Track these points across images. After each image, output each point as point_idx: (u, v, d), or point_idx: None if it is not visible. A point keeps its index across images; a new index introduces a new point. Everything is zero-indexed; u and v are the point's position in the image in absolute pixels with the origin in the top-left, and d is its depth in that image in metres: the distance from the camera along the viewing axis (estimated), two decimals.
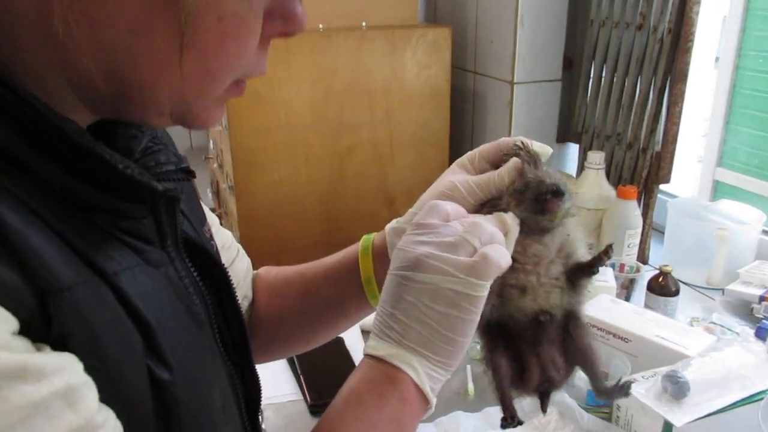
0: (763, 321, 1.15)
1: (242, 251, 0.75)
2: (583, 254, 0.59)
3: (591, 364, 0.60)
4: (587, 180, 1.46)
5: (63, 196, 0.40)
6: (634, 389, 0.86)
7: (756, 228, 1.36)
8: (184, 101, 0.42)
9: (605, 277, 1.23)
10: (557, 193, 0.55)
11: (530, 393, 0.62)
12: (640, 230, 1.41)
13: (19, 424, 0.32)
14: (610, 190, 1.46)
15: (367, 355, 0.51)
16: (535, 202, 0.55)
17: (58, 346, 0.37)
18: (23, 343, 0.35)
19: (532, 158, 0.58)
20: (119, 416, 0.39)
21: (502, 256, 0.50)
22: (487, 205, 0.58)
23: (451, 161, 0.64)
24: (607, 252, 0.58)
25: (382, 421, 0.48)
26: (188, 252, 0.51)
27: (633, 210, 1.39)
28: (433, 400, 0.51)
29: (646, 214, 1.47)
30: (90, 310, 0.39)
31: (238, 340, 0.57)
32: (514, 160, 0.58)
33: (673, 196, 1.59)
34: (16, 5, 0.38)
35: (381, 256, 0.65)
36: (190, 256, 0.52)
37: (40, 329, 0.36)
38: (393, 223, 0.66)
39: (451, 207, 0.53)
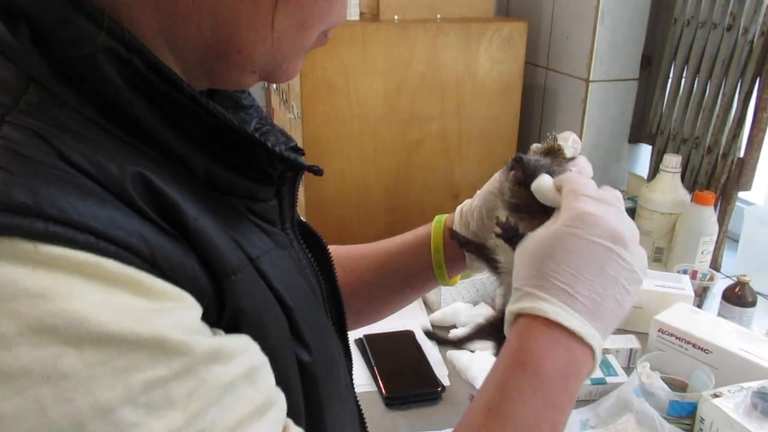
0: None
1: None
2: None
3: None
4: (662, 183, 1.43)
5: (206, 181, 0.41)
6: (721, 403, 0.85)
7: None
8: (276, 57, 0.43)
9: (682, 284, 1.21)
10: (516, 160, 0.57)
11: None
12: (715, 237, 1.38)
13: (214, 403, 0.33)
14: (685, 195, 1.43)
15: (545, 319, 0.47)
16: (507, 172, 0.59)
17: (231, 327, 0.38)
18: (207, 329, 0.36)
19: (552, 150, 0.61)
20: None
21: None
22: None
23: None
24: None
25: (563, 402, 0.47)
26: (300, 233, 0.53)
27: (710, 216, 1.36)
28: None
29: (722, 220, 1.43)
30: (253, 292, 0.40)
31: (335, 319, 0.58)
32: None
33: (744, 203, 1.54)
34: None
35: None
36: (303, 237, 0.53)
37: (214, 313, 0.37)
38: (464, 205, 0.70)
39: None
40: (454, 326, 1.21)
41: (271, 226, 0.47)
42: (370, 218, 1.66)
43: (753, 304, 1.21)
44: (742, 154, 1.38)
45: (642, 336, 1.13)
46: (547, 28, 1.71)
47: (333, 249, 0.80)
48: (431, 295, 1.30)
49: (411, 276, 0.72)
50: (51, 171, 0.32)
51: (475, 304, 1.28)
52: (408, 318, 1.24)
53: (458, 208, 0.70)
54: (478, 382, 1.05)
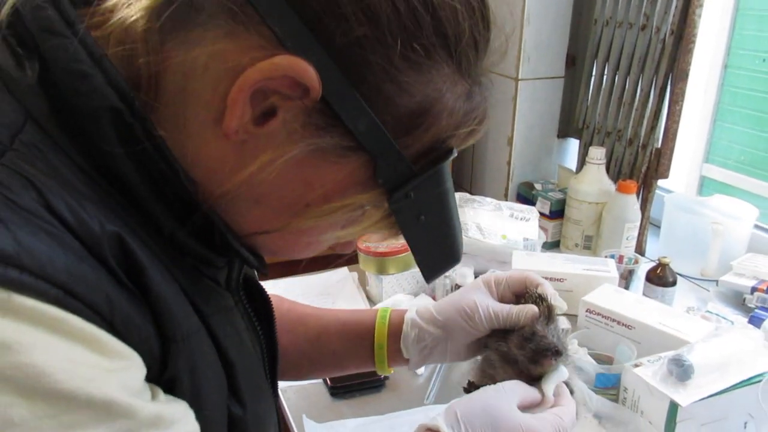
0: (756, 310, 1.20)
1: None
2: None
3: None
4: (588, 175, 1.51)
5: (170, 239, 0.42)
6: (640, 372, 0.92)
7: (748, 222, 1.42)
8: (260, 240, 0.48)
9: (608, 267, 1.29)
10: (557, 353, 0.62)
11: None
12: (638, 223, 1.47)
13: None
14: (610, 185, 1.51)
15: None
16: (534, 352, 0.62)
17: (166, 389, 0.39)
18: (148, 389, 0.38)
19: (548, 313, 0.65)
20: None
21: None
22: (495, 333, 0.67)
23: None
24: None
25: None
26: (244, 289, 0.55)
27: (632, 204, 1.45)
28: None
29: (644, 207, 1.52)
30: (197, 356, 0.42)
31: (270, 377, 0.60)
32: (532, 309, 0.65)
33: (665, 191, 1.65)
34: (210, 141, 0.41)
35: (394, 333, 0.72)
36: (247, 294, 0.55)
37: (155, 372, 0.39)
38: (412, 314, 0.71)
39: None
40: None
41: (219, 287, 0.49)
42: None
43: (674, 283, 1.30)
44: (659, 145, 1.48)
45: (572, 318, 1.19)
46: None
47: (277, 300, 0.81)
48: (373, 288, 1.33)
49: (346, 360, 0.75)
50: (37, 222, 0.33)
51: (416, 295, 1.32)
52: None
53: (407, 316, 0.71)
54: (419, 368, 1.10)
